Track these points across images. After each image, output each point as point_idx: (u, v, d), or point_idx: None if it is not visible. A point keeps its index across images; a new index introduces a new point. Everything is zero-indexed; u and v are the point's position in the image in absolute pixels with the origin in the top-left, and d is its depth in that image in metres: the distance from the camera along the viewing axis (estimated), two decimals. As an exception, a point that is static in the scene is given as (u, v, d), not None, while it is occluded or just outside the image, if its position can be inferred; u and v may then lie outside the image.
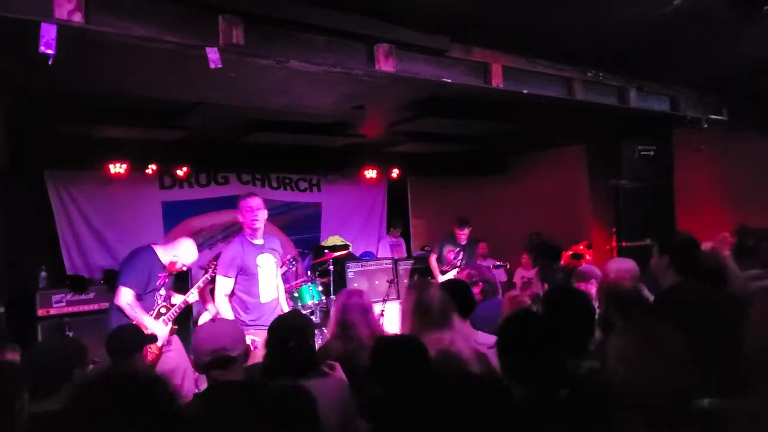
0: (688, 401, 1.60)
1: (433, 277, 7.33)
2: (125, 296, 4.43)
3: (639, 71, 5.30)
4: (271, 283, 4.71)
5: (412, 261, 8.69)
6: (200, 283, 4.90)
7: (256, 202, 4.62)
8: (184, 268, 4.94)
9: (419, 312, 2.92)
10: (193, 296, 4.89)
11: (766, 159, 7.34)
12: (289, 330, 2.64)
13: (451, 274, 7.14)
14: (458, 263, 7.26)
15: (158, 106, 5.50)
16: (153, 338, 4.10)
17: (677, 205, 6.88)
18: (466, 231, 7.31)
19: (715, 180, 7.77)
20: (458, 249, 7.32)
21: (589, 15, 3.85)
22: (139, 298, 4.51)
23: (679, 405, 1.58)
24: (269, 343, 2.63)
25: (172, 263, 4.72)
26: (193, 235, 8.12)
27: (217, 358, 2.39)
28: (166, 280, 4.73)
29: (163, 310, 4.65)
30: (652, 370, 1.61)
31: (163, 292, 4.70)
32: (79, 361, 2.38)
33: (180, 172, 7.60)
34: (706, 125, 6.22)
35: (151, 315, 4.57)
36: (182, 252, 4.77)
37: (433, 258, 7.37)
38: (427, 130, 7.03)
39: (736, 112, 6.56)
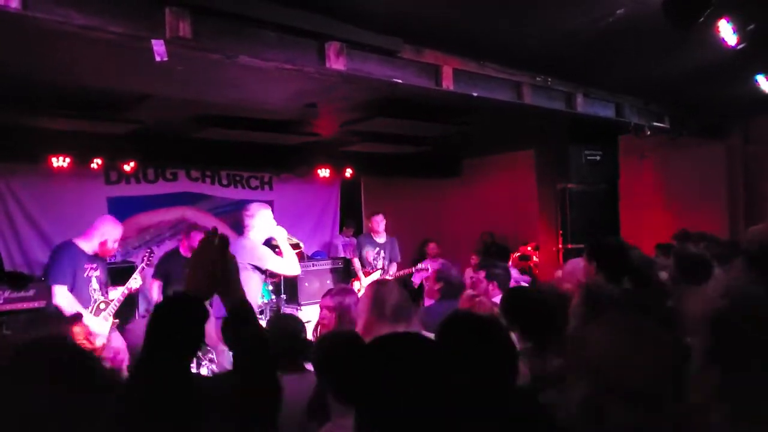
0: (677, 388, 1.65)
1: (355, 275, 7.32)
2: (61, 294, 4.37)
3: (586, 78, 5.44)
4: None
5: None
6: (139, 269, 4.97)
7: None
8: (116, 245, 4.86)
9: (375, 307, 2.88)
10: (136, 282, 4.86)
11: (705, 165, 7.66)
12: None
13: (373, 278, 7.12)
14: (379, 264, 7.24)
15: (104, 98, 5.35)
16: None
17: (621, 208, 7.10)
18: (379, 221, 7.25)
19: (658, 185, 8.05)
20: (378, 248, 7.30)
21: (535, 22, 3.94)
22: (70, 291, 4.42)
23: (668, 391, 1.62)
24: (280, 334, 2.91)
25: (103, 245, 4.63)
26: (141, 232, 7.97)
27: None
28: (98, 273, 4.63)
29: (102, 306, 4.57)
30: (643, 358, 1.66)
31: (96, 285, 4.60)
32: None
33: (127, 167, 7.40)
34: (649, 132, 6.44)
35: (90, 310, 4.47)
36: (106, 229, 4.69)
37: (356, 260, 7.35)
38: (380, 130, 7.04)
39: (677, 120, 6.81)
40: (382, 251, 7.27)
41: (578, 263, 4.00)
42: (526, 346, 2.64)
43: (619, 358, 1.69)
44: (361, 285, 7.15)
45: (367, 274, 7.24)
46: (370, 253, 7.26)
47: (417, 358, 1.28)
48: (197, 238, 5.80)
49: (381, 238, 7.28)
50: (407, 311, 2.91)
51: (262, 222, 4.84)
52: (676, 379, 1.68)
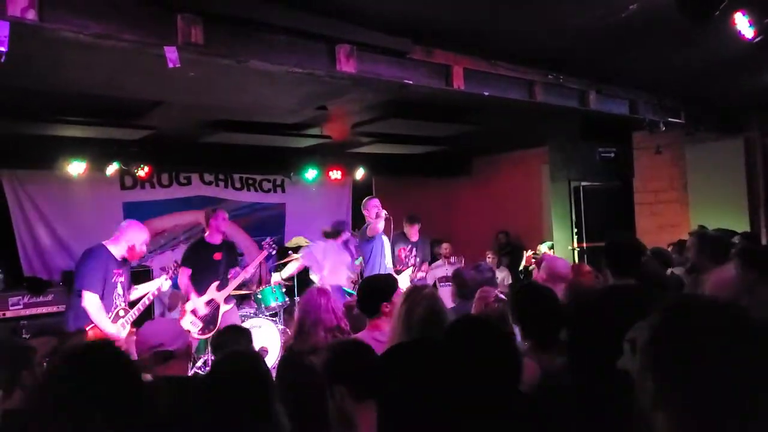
0: None
1: None
2: (91, 300, 4.39)
3: (599, 75, 5.39)
4: None
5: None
6: (163, 279, 4.99)
7: None
8: (144, 248, 4.88)
9: (405, 320, 2.70)
10: (166, 283, 4.95)
11: (722, 159, 7.55)
12: None
13: (407, 274, 7.15)
14: (411, 261, 7.26)
15: (118, 105, 5.41)
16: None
17: (637, 206, 7.04)
18: (416, 227, 7.33)
19: (675, 181, 7.97)
20: (410, 246, 7.32)
21: (547, 19, 3.92)
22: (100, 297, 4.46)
23: None
24: None
25: (131, 249, 4.66)
26: (156, 236, 8.02)
27: (155, 354, 2.46)
28: (123, 279, 4.66)
29: (121, 313, 4.59)
30: None
31: (120, 291, 4.63)
32: (26, 363, 2.35)
33: (141, 173, 7.47)
34: (663, 128, 6.36)
35: (110, 317, 4.50)
36: (133, 234, 4.71)
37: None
38: (391, 131, 7.05)
39: (693, 116, 6.73)
40: (414, 249, 7.31)
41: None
42: (530, 342, 2.64)
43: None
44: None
45: (398, 272, 7.26)
46: (402, 251, 7.29)
47: (433, 362, 1.34)
48: (222, 216, 5.84)
49: (413, 237, 7.36)
50: (437, 324, 2.66)
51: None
52: None
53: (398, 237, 7.41)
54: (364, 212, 6.13)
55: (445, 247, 8.08)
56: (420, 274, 7.13)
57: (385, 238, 6.19)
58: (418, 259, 7.27)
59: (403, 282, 7.00)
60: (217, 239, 5.86)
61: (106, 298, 4.52)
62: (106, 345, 1.68)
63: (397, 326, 2.74)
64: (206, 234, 5.91)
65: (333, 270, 6.46)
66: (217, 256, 5.85)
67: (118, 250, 4.63)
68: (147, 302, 4.81)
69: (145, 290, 4.88)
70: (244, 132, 6.54)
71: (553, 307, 2.76)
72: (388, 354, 1.45)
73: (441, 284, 7.75)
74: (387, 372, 1.38)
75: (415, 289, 2.93)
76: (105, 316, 4.44)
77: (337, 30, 3.68)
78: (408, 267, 7.19)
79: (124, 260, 4.71)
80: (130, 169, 7.39)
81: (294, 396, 2.59)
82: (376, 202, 6.14)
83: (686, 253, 3.90)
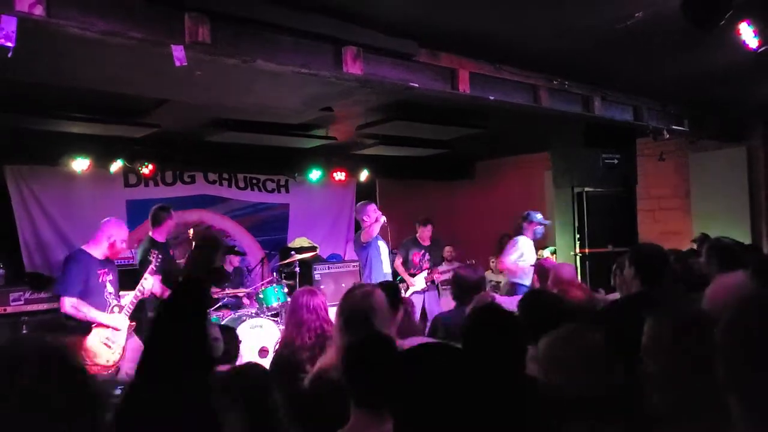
0: (614, 392, 1.66)
1: (403, 280, 7.37)
2: (69, 303, 4.43)
3: (604, 81, 5.40)
4: None
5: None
6: (149, 270, 4.92)
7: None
8: (125, 245, 4.85)
9: (341, 320, 2.67)
10: (147, 282, 4.87)
11: (725, 168, 7.55)
12: None
13: (421, 277, 7.19)
14: (425, 265, 7.30)
15: (123, 103, 5.42)
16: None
17: (639, 212, 7.03)
18: (429, 230, 7.37)
19: (678, 188, 7.97)
20: (423, 251, 7.36)
21: (553, 25, 3.93)
22: (84, 298, 4.48)
23: (606, 395, 1.64)
24: None
25: (112, 246, 4.66)
26: (158, 234, 8.04)
27: None
28: (111, 277, 4.67)
29: (116, 309, 4.63)
30: (577, 367, 1.68)
31: (111, 289, 4.64)
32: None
33: (145, 170, 7.48)
34: (667, 135, 6.37)
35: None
36: (112, 230, 4.71)
37: (398, 261, 7.40)
38: (395, 133, 7.06)
39: (697, 123, 6.73)
40: (427, 254, 7.35)
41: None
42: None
43: (556, 366, 1.69)
44: (413, 285, 7.22)
45: (412, 275, 7.30)
46: (416, 255, 7.33)
47: (444, 365, 1.33)
48: (175, 217, 5.77)
49: (426, 242, 7.39)
50: (361, 323, 2.61)
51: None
52: (623, 383, 1.67)
53: (411, 241, 7.49)
54: (364, 217, 6.11)
55: (448, 251, 8.09)
56: (437, 276, 7.21)
57: (381, 243, 6.16)
58: (430, 263, 7.32)
59: (420, 284, 7.09)
60: (163, 238, 5.59)
61: (97, 299, 4.56)
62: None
63: (335, 324, 2.75)
64: (152, 233, 5.58)
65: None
66: (171, 251, 5.71)
67: (99, 250, 4.66)
68: (139, 294, 4.82)
69: (131, 296, 4.85)
70: (248, 132, 6.55)
71: (558, 316, 2.76)
72: (399, 362, 1.45)
73: (444, 287, 7.76)
74: (402, 381, 1.35)
75: (350, 289, 2.90)
76: (91, 309, 4.47)
77: (343, 32, 3.69)
78: (422, 270, 7.25)
79: (107, 260, 4.72)
80: (133, 167, 7.40)
81: (283, 398, 2.58)
82: (375, 207, 6.15)
83: (699, 259, 3.90)
